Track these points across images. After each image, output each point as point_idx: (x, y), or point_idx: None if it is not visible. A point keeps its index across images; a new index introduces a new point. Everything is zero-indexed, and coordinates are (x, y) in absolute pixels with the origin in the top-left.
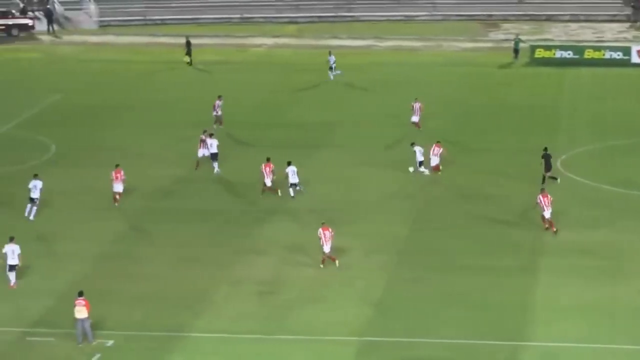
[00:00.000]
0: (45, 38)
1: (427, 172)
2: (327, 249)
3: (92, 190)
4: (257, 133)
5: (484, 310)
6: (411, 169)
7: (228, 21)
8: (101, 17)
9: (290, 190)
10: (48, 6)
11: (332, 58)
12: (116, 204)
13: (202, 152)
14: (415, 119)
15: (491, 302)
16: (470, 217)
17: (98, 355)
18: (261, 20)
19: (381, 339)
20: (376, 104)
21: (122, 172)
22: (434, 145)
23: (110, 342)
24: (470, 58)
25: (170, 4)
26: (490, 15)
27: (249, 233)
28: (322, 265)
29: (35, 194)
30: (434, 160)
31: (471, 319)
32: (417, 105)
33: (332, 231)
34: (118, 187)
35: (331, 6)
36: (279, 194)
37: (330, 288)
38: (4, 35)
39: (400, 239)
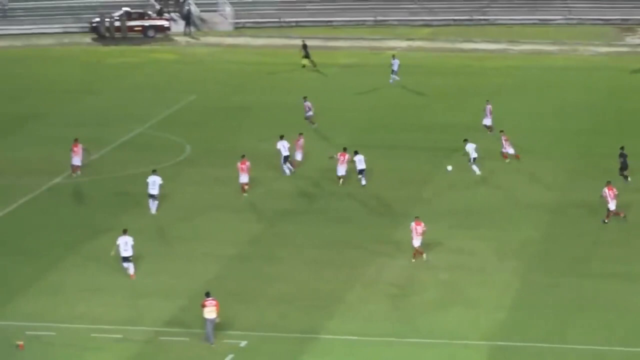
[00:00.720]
0: (181, 39)
1: (477, 171)
2: (417, 243)
3: (227, 191)
4: (393, 135)
5: (620, 317)
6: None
7: (362, 24)
8: (236, 19)
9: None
10: (186, 7)
11: (397, 62)
12: (245, 194)
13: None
14: (487, 121)
15: (628, 308)
16: (602, 224)
17: (231, 356)
18: (395, 23)
19: (513, 344)
20: (510, 107)
21: (247, 163)
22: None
23: (243, 343)
24: (606, 62)
25: (305, 6)
26: (626, 20)
27: (382, 235)
28: (413, 260)
29: (154, 190)
30: (510, 150)
31: (607, 326)
32: (488, 108)
33: (424, 226)
34: (244, 178)
35: (466, 10)
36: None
37: (463, 291)
38: (141, 36)
39: (532, 243)
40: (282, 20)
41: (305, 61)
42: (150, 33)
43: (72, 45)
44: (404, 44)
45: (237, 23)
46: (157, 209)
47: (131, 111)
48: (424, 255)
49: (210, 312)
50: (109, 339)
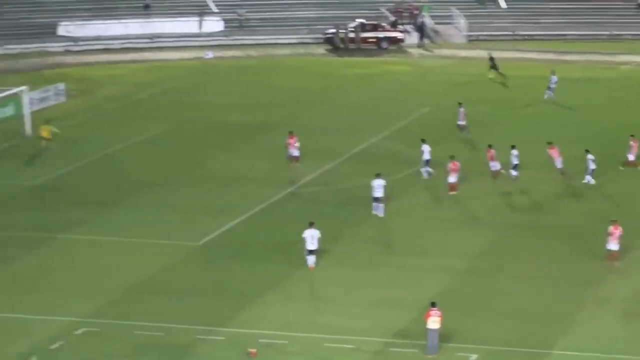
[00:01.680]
0: (414, 51)
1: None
2: (613, 246)
3: (457, 203)
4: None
5: None
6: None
7: (596, 38)
8: (470, 31)
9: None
10: (421, 20)
11: (554, 78)
12: (452, 193)
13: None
14: None
15: None
16: None
17: None
18: (630, 37)
19: None
20: None
21: (457, 164)
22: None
23: (474, 357)
24: None
25: (539, 19)
26: None
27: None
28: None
29: (379, 193)
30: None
31: None
32: None
33: (621, 230)
34: (452, 179)
35: None
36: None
37: None
38: (374, 48)
39: None
40: (515, 33)
41: (492, 74)
42: (384, 45)
43: (306, 56)
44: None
45: (470, 36)
46: (384, 212)
47: (364, 122)
48: (617, 263)
49: (434, 322)
50: (341, 349)
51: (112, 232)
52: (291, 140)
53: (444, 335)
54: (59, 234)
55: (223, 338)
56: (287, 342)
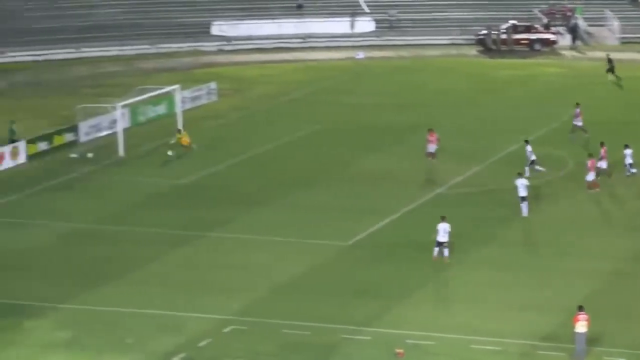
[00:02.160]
0: (567, 53)
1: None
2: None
3: (602, 205)
4: None
5: None
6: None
7: None
8: (623, 33)
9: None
10: (574, 21)
11: None
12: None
13: None
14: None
15: None
16: None
17: None
18: None
19: None
20: None
21: (435, 135)
22: None
23: None
24: None
25: None
26: None
27: None
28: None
29: (522, 192)
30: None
31: None
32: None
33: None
34: (431, 149)
35: None
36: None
37: None
38: (527, 49)
39: None
40: None
41: (611, 77)
42: (537, 46)
43: (458, 57)
44: None
45: (623, 38)
46: (528, 212)
47: (515, 123)
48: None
49: (581, 326)
50: (487, 350)
51: (260, 231)
52: (430, 137)
53: (592, 339)
54: (208, 233)
55: (369, 338)
56: (433, 343)
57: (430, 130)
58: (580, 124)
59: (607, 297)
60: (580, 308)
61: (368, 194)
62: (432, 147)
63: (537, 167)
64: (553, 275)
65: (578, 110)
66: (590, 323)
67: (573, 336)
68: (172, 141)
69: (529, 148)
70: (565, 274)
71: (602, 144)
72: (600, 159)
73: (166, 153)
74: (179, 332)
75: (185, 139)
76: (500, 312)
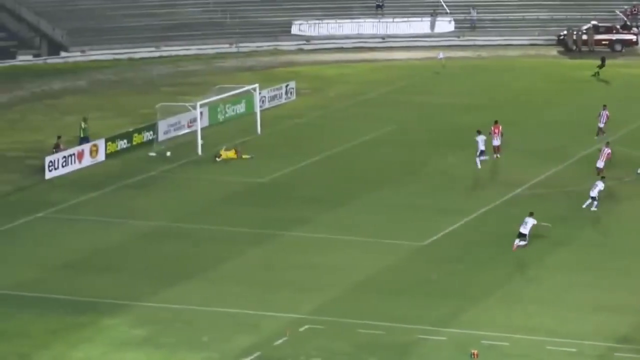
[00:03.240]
0: None
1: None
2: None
3: None
4: None
5: None
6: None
7: None
8: None
9: None
10: None
11: None
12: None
13: None
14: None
15: None
16: None
17: None
18: None
19: None
20: None
21: (500, 128)
22: None
23: None
24: None
25: None
26: None
27: None
28: None
29: (593, 193)
30: None
31: None
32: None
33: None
34: (496, 142)
35: None
36: None
37: None
38: (608, 50)
39: None
40: None
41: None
42: (617, 47)
43: (537, 57)
44: None
45: None
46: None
47: (593, 125)
48: None
49: None
50: (562, 352)
51: (337, 230)
52: (495, 130)
53: None
54: (286, 231)
55: (445, 338)
56: (508, 344)
57: (495, 123)
58: (602, 125)
59: None
60: None
61: (445, 194)
62: (495, 141)
63: (482, 158)
64: (630, 276)
65: (605, 112)
66: None
67: None
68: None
69: (479, 138)
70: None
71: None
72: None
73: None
74: (254, 331)
75: (229, 154)
76: (576, 313)
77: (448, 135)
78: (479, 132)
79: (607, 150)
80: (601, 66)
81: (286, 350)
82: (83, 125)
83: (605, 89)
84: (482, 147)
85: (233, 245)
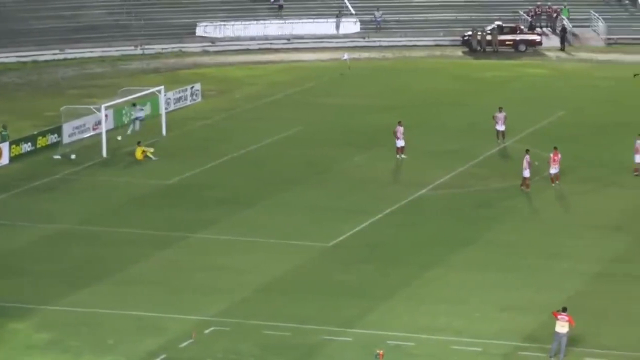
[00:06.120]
0: (551, 54)
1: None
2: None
3: (591, 208)
4: None
5: None
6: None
7: None
8: (609, 34)
9: None
10: (562, 23)
11: None
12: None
13: None
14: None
15: None
16: None
17: None
18: None
19: None
20: None
21: (401, 129)
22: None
23: None
24: None
25: None
26: None
27: None
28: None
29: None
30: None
31: None
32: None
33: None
34: (400, 142)
35: None
36: None
37: None
38: (511, 50)
39: None
40: None
41: None
42: (521, 47)
43: (442, 58)
44: None
45: (609, 39)
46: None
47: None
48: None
49: (562, 326)
50: (468, 351)
51: (243, 232)
52: (397, 130)
53: (573, 339)
54: (193, 233)
55: (350, 339)
56: (414, 344)
57: (399, 123)
58: (502, 128)
59: (591, 299)
60: (564, 309)
61: (351, 195)
62: (399, 142)
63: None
64: (535, 276)
65: (501, 114)
66: (574, 325)
67: (554, 335)
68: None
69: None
70: (551, 275)
71: (555, 148)
72: (552, 162)
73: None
74: (160, 333)
75: (139, 154)
76: (482, 313)
77: (354, 136)
78: None
79: (527, 157)
80: None
81: (192, 352)
82: (1, 132)
83: (509, 89)
84: None
85: (140, 248)
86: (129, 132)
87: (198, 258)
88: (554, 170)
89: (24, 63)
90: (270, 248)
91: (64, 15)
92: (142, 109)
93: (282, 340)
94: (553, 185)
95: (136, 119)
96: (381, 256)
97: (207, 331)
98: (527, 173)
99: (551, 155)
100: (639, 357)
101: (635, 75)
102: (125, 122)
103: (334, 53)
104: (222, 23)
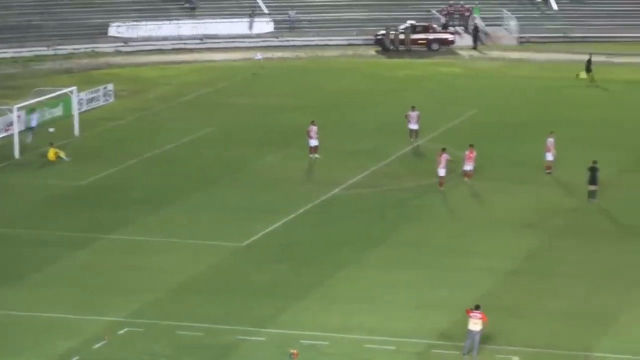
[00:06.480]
0: (464, 53)
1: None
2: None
3: (504, 206)
4: None
5: None
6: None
7: None
8: (521, 33)
9: None
10: (475, 22)
11: None
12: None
13: None
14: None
15: None
16: None
17: None
18: None
19: None
20: None
21: (315, 128)
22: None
23: (515, 358)
24: None
25: (591, 22)
26: None
27: None
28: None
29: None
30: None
31: None
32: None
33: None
34: (313, 142)
35: None
36: None
37: None
38: (424, 49)
39: None
40: (567, 35)
41: (583, 74)
42: (434, 46)
43: (355, 57)
44: None
45: (521, 37)
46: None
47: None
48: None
49: (475, 324)
50: (382, 350)
51: (158, 233)
52: (311, 130)
53: (486, 337)
54: (106, 234)
55: (264, 339)
56: (328, 343)
57: (312, 122)
58: (415, 127)
59: (503, 295)
60: (477, 307)
61: (264, 195)
62: (312, 141)
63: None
64: (448, 274)
65: (413, 113)
66: (486, 322)
67: (467, 333)
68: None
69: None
70: (463, 273)
71: (471, 146)
72: (467, 159)
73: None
74: (73, 335)
75: (52, 155)
76: (395, 311)
77: (267, 136)
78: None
79: (446, 156)
80: (588, 69)
81: (105, 354)
82: None
83: (422, 88)
84: None
85: (54, 249)
86: (28, 140)
87: (112, 259)
88: (468, 167)
89: None
90: (185, 248)
91: None
92: (35, 118)
93: (196, 340)
94: (466, 180)
95: (30, 128)
96: (294, 256)
97: (121, 332)
98: (442, 172)
99: (467, 152)
100: (551, 353)
101: (577, 76)
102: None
103: (247, 53)
104: (135, 23)
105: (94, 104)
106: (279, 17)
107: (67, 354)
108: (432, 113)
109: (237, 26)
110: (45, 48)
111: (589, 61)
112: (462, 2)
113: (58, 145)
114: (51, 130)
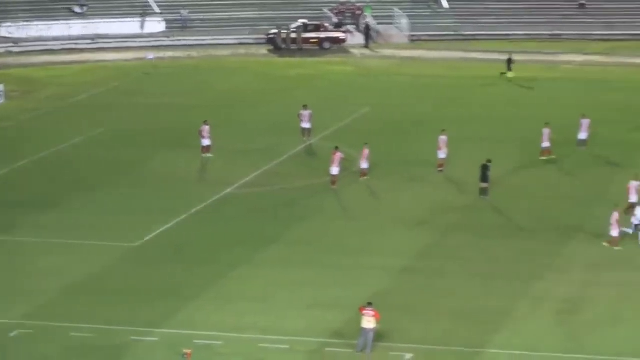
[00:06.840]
0: (356, 51)
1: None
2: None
3: (397, 204)
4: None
5: None
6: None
7: (538, 38)
8: (412, 31)
9: None
10: (367, 21)
11: None
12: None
13: None
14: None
15: None
16: None
17: None
18: (572, 37)
19: None
20: None
21: (207, 128)
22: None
23: (409, 356)
24: None
25: (481, 19)
26: None
27: (553, 250)
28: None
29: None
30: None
31: None
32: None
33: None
34: (206, 141)
35: None
36: None
37: (634, 308)
38: (316, 48)
39: None
40: (458, 33)
41: (511, 74)
42: (326, 45)
43: (247, 57)
44: (580, 58)
45: (413, 36)
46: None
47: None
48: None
49: (368, 321)
50: (276, 349)
51: (48, 234)
52: (203, 130)
53: (380, 334)
54: None
55: (157, 339)
56: (222, 343)
57: (204, 122)
58: (307, 125)
59: (396, 294)
60: (369, 304)
61: (157, 195)
62: (205, 141)
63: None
64: (345, 272)
65: (305, 111)
66: (379, 319)
67: (360, 331)
68: None
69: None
70: (357, 271)
71: (365, 145)
72: (362, 157)
73: None
74: None
75: None
76: (288, 310)
77: (160, 135)
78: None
79: (339, 154)
80: (509, 69)
81: None
82: None
83: (314, 87)
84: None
85: None
86: None
87: (1, 261)
88: (364, 165)
89: None
90: (76, 249)
91: None
92: None
93: (88, 342)
94: (361, 179)
95: None
96: (188, 255)
97: (11, 334)
98: (335, 170)
99: (362, 150)
100: (444, 350)
101: (501, 74)
102: None
103: (138, 52)
104: (26, 23)
105: None
106: (171, 17)
107: None
108: (325, 112)
109: (128, 26)
110: None
111: (510, 60)
112: (353, 1)
113: None
114: None
